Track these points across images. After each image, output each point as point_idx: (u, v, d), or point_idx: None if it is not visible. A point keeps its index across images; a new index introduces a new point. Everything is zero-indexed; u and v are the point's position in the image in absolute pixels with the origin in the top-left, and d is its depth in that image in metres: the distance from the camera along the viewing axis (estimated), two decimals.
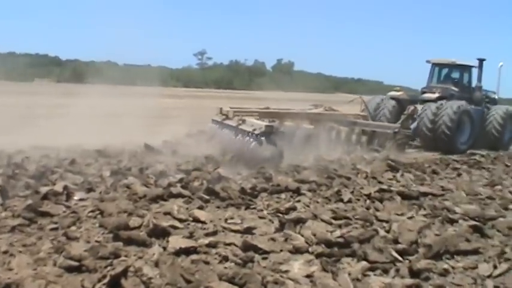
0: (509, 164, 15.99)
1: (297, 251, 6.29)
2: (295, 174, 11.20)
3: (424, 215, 8.51)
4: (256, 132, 13.45)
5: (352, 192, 9.73)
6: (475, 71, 23.04)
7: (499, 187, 11.82)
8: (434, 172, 13.26)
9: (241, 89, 66.46)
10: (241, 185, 9.55)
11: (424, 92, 22.49)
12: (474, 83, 23.03)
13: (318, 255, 6.16)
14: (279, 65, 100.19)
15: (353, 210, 8.46)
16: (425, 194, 10.12)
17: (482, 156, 17.92)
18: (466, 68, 22.98)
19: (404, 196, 9.73)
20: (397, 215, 8.41)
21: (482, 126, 21.98)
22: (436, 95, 21.53)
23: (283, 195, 9.26)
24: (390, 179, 11.64)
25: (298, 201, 8.92)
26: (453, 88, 22.19)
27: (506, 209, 9.62)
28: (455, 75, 23.11)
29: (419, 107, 20.94)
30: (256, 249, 6.15)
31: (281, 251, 6.24)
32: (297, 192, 9.46)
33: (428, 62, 23.24)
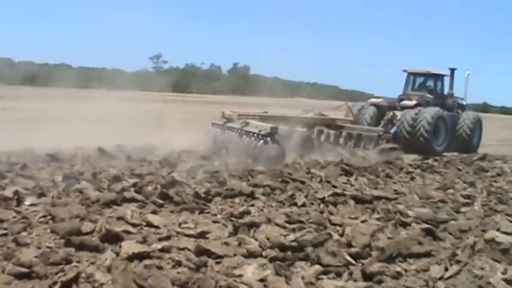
0: (461, 168, 16.20)
1: (250, 255, 6.30)
2: (250, 179, 11.20)
3: (378, 219, 8.59)
4: (262, 133, 14.97)
5: (306, 196, 9.76)
6: (446, 79, 24.88)
7: (451, 191, 12.00)
8: (388, 176, 13.38)
9: (198, 92, 66.44)
10: (195, 190, 9.49)
11: (401, 99, 24.03)
12: (446, 90, 24.87)
13: (272, 259, 6.18)
14: (235, 69, 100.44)
15: (307, 214, 8.48)
16: (378, 198, 10.20)
17: (435, 160, 18.21)
18: (439, 77, 24.81)
19: (358, 200, 9.80)
20: (351, 218, 8.48)
21: (454, 130, 23.80)
22: (414, 102, 23.18)
23: (237, 200, 9.26)
24: (344, 183, 11.69)
25: (252, 205, 8.93)
26: (428, 95, 23.88)
27: (458, 212, 9.78)
28: (430, 83, 24.90)
29: (397, 113, 22.55)
30: (209, 253, 6.14)
31: (234, 255, 6.23)
32: (251, 196, 9.48)
33: (404, 71, 25.04)
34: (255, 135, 15.21)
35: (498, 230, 8.02)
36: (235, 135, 16.02)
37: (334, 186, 11.10)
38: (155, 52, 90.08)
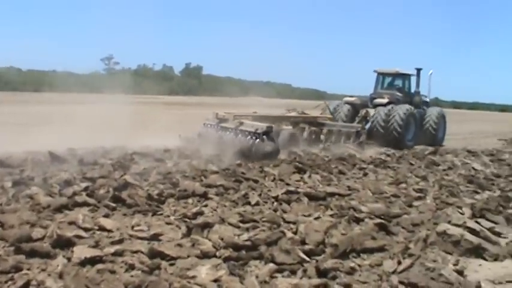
0: (413, 163, 16.43)
1: (204, 255, 6.29)
2: (203, 179, 11.15)
3: (331, 215, 8.64)
4: (258, 131, 15.84)
5: (259, 195, 9.78)
6: (413, 79, 26.63)
7: (403, 185, 12.18)
8: (341, 172, 13.47)
9: (151, 93, 66.02)
10: (148, 192, 9.41)
11: (373, 98, 25.48)
12: (413, 88, 26.62)
13: (226, 259, 6.17)
14: (187, 69, 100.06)
15: (260, 213, 8.49)
16: (332, 194, 10.28)
17: (388, 155, 18.43)
18: (407, 76, 26.46)
19: (311, 197, 9.87)
20: (304, 216, 8.51)
21: (422, 125, 25.35)
22: (386, 100, 24.60)
23: (190, 200, 9.22)
24: (297, 181, 11.74)
25: (206, 205, 8.90)
26: (398, 94, 25.43)
27: (410, 206, 9.96)
28: (398, 82, 26.49)
29: (370, 110, 24.26)
30: (163, 255, 6.11)
31: (188, 256, 6.21)
32: (204, 196, 9.46)
33: (375, 71, 26.54)
34: (252, 133, 16.09)
35: (449, 222, 8.12)
36: (230, 135, 16.82)
37: (287, 184, 11.15)
38: (106, 53, 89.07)
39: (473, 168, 16.13)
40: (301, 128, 20.24)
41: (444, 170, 15.39)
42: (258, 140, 15.85)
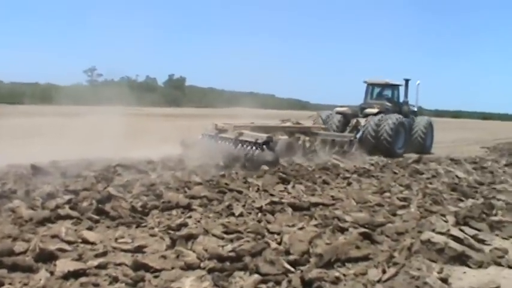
0: (397, 172, 16.50)
1: (188, 267, 6.26)
2: (186, 190, 11.11)
3: (315, 225, 8.63)
4: (259, 141, 16.64)
5: (243, 206, 9.75)
6: (402, 89, 27.51)
7: (387, 194, 12.21)
8: (325, 182, 13.48)
9: (134, 105, 66.16)
10: (131, 204, 9.36)
11: (364, 108, 26.23)
12: (402, 98, 27.47)
13: (210, 271, 6.15)
14: (170, 80, 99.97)
15: (244, 224, 8.45)
16: (316, 204, 10.29)
17: (372, 164, 18.48)
18: (396, 87, 27.40)
19: (295, 207, 9.87)
20: (288, 226, 8.49)
21: (411, 134, 26.15)
22: (376, 109, 25.39)
23: (174, 212, 9.18)
24: (281, 191, 11.72)
25: (190, 217, 8.86)
26: (387, 103, 26.29)
27: (394, 214, 9.95)
28: (387, 92, 27.51)
29: (361, 119, 24.75)
30: (147, 268, 6.07)
31: (172, 268, 6.17)
32: (188, 208, 9.42)
33: (365, 82, 27.39)
34: (252, 143, 16.83)
35: (433, 230, 8.15)
36: (230, 145, 17.44)
37: (271, 195, 11.11)
38: (89, 65, 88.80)
39: (457, 176, 16.16)
40: (296, 138, 20.61)
41: (428, 178, 15.42)
42: (258, 149, 16.55)
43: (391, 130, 23.56)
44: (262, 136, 16.97)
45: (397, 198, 11.66)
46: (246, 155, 16.29)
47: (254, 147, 16.76)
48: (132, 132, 21.16)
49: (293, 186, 12.42)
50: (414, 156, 22.00)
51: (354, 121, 25.03)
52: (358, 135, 23.50)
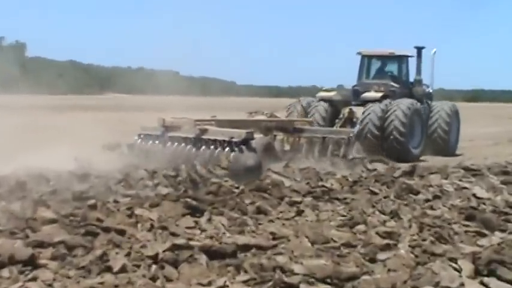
0: (377, 191, 16.75)
1: None
2: (28, 233, 10.97)
3: (245, 281, 8.79)
4: (235, 140, 18.26)
5: (127, 255, 9.84)
6: (411, 62, 29.20)
7: (361, 227, 12.43)
8: (260, 211, 13.56)
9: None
10: None
11: (359, 91, 27.85)
12: (412, 76, 29.24)
13: None
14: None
15: (130, 285, 8.59)
16: (246, 248, 10.43)
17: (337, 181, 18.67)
18: (404, 59, 29.04)
19: (212, 254, 9.97)
20: (202, 285, 8.64)
21: (427, 127, 27.72)
22: (378, 93, 26.84)
23: (5, 273, 9.02)
24: (190, 228, 11.80)
25: (34, 279, 8.83)
26: (393, 84, 27.87)
27: (373, 260, 10.19)
28: (392, 68, 29.13)
29: (356, 108, 26.41)
30: None
31: None
32: (32, 264, 9.34)
33: (359, 54, 28.90)
34: (225, 143, 18.49)
35: (437, 285, 8.40)
36: (188, 147, 19.14)
37: (173, 235, 11.20)
38: None
39: (475, 195, 16.33)
40: (272, 137, 22.05)
41: (427, 200, 15.74)
42: (235, 151, 18.12)
43: (403, 123, 24.82)
44: (240, 132, 18.47)
45: (378, 233, 11.88)
46: (211, 159, 17.34)
47: (228, 148, 18.24)
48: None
49: (209, 219, 12.52)
50: (404, 165, 21.99)
51: (345, 111, 26.24)
52: (354, 131, 24.25)
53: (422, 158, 24.98)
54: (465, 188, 17.49)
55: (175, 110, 23.05)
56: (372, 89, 27.41)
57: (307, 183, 17.71)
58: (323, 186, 17.28)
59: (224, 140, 18.42)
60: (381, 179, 18.88)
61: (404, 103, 25.25)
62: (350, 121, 25.83)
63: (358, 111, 25.95)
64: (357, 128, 24.93)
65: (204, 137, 18.73)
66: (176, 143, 19.18)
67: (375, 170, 20.89)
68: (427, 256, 10.33)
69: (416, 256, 10.33)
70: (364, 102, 26.52)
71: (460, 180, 18.89)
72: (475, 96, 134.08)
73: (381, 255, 10.37)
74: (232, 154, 17.82)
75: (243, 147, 17.94)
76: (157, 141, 19.62)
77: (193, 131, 19.01)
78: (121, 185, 16.02)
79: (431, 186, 17.67)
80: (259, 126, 22.01)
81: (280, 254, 10.24)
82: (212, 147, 18.45)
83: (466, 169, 21.47)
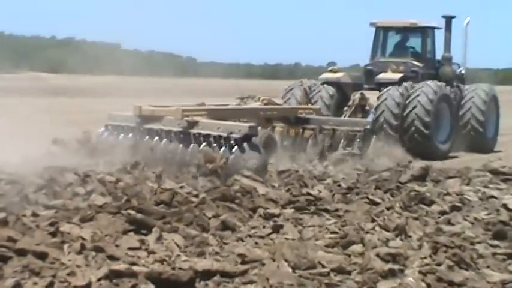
0: (378, 201, 16.71)
1: None
2: None
3: None
4: (235, 136, 18.57)
5: (50, 286, 9.66)
6: (438, 36, 29.58)
7: (357, 247, 12.28)
8: (225, 226, 13.49)
9: None
10: None
11: (372, 72, 28.34)
12: (439, 53, 29.59)
13: None
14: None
15: None
16: (207, 274, 10.30)
17: (328, 188, 18.55)
18: (429, 32, 29.10)
19: (162, 283, 9.86)
20: None
21: (458, 116, 28.14)
22: (397, 75, 27.13)
23: None
24: (134, 249, 11.67)
25: None
26: (414, 63, 28.28)
27: None
28: (415, 43, 29.58)
29: (369, 94, 27.00)
30: None
31: None
32: None
33: (372, 25, 29.27)
34: (221, 139, 18.77)
35: None
36: (173, 144, 19.53)
37: (111, 258, 11.05)
38: None
39: (506, 206, 16.22)
40: (272, 128, 22.81)
41: (444, 212, 15.65)
42: (234, 150, 18.42)
43: (427, 111, 25.10)
44: (241, 126, 18.62)
45: (379, 255, 11.67)
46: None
47: (225, 147, 18.52)
48: None
49: (159, 238, 12.37)
50: (415, 166, 21.68)
51: (356, 96, 26.58)
52: (368, 120, 24.79)
53: (451, 154, 25.00)
54: (493, 196, 17.41)
55: (125, 94, 23.29)
56: (389, 69, 27.49)
57: (288, 190, 17.65)
58: (308, 194, 17.13)
59: (220, 136, 18.57)
60: (384, 185, 18.81)
61: (430, 87, 25.38)
62: (361, 109, 26.18)
63: (372, 96, 26.26)
64: (371, 118, 25.31)
65: (193, 131, 18.92)
66: (154, 138, 19.45)
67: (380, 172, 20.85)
68: (443, 286, 10.22)
69: (428, 286, 10.24)
70: (378, 86, 26.77)
71: (486, 187, 18.84)
72: (507, 76, 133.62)
73: (383, 285, 10.30)
74: (233, 152, 18.08)
75: (245, 144, 18.14)
76: (129, 135, 19.82)
77: (178, 123, 19.22)
78: (42, 192, 15.62)
79: (448, 194, 17.61)
80: (257, 116, 22.38)
81: (252, 282, 10.17)
82: (204, 144, 18.63)
83: (494, 172, 21.34)
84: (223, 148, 18.33)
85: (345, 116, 25.92)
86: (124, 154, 18.03)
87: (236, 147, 18.09)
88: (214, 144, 18.49)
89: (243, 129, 18.26)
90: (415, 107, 24.90)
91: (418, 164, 22.09)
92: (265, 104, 24.53)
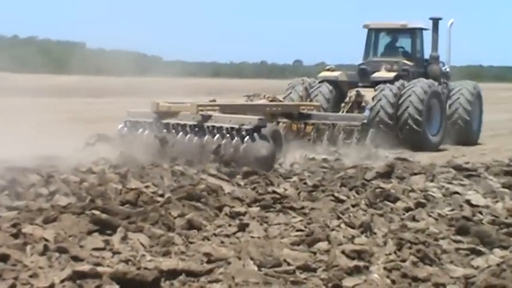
0: (343, 198, 16.70)
1: None
2: None
3: None
4: (246, 127, 20.01)
5: None
6: (426, 37, 30.89)
7: (323, 245, 12.32)
8: (191, 226, 13.47)
9: None
10: None
11: (366, 71, 29.87)
12: (427, 52, 31.05)
13: None
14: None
15: None
16: (172, 274, 10.30)
17: (291, 185, 18.59)
18: (418, 33, 30.79)
19: (128, 283, 9.81)
20: None
21: (447, 111, 29.53)
22: (390, 73, 28.67)
23: None
24: (98, 250, 11.62)
25: None
26: (406, 62, 29.81)
27: (338, 287, 10.11)
28: (405, 43, 31.16)
29: (364, 91, 28.54)
30: None
31: None
32: None
33: (365, 27, 30.68)
34: (233, 131, 20.24)
35: None
36: (188, 136, 20.94)
37: (75, 259, 11.00)
38: None
39: (469, 202, 16.46)
40: (276, 123, 23.71)
41: (408, 209, 15.74)
42: (246, 139, 19.89)
43: (419, 110, 26.61)
44: (251, 119, 19.69)
45: (344, 253, 11.71)
46: (218, 150, 18.91)
47: (237, 137, 19.97)
48: None
49: (124, 238, 12.33)
50: (370, 166, 22.05)
51: (352, 93, 28.04)
52: (366, 118, 26.06)
53: (441, 147, 25.63)
54: (456, 193, 17.52)
55: (90, 95, 23.76)
56: (383, 67, 28.86)
57: (254, 188, 17.64)
58: (274, 192, 17.12)
59: (232, 128, 19.75)
60: (349, 182, 18.82)
61: (420, 86, 26.78)
62: (358, 105, 27.58)
63: (367, 93, 27.59)
64: (367, 113, 26.78)
65: (207, 124, 20.15)
66: (172, 132, 20.68)
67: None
68: (408, 282, 10.24)
69: (393, 282, 10.26)
70: (374, 84, 28.16)
71: (450, 183, 18.92)
72: (472, 73, 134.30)
73: (348, 281, 10.30)
74: (245, 142, 19.39)
75: (255, 135, 19.44)
76: (148, 129, 20.95)
77: (193, 118, 20.38)
78: (4, 194, 15.50)
79: (413, 191, 17.68)
80: (263, 112, 23.39)
81: (218, 281, 10.16)
82: (218, 136, 19.88)
83: (458, 168, 21.53)
84: (235, 139, 19.41)
85: (342, 112, 27.26)
86: (149, 145, 18.63)
87: (248, 137, 19.38)
88: (227, 135, 19.67)
89: (253, 121, 19.57)
90: (407, 107, 26.34)
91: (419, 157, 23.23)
92: (270, 101, 25.63)
